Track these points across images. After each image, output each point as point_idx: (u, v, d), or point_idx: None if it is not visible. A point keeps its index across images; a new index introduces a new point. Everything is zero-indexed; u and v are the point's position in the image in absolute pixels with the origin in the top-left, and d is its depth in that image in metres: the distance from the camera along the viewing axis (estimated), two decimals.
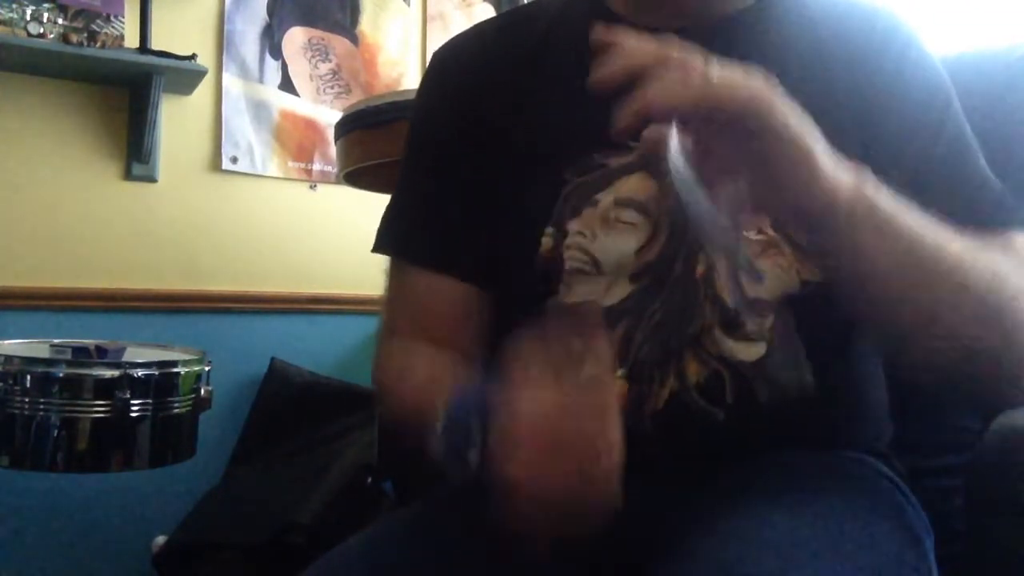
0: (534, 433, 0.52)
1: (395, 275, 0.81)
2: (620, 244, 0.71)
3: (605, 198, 0.71)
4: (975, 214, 0.68)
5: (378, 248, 0.82)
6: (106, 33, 1.94)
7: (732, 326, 0.69)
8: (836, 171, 0.56)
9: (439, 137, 0.80)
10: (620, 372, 0.70)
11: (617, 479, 0.52)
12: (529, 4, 0.84)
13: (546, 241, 0.73)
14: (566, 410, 0.52)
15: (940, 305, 0.61)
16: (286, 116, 2.23)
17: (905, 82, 0.72)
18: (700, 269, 0.69)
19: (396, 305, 0.81)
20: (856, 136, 0.70)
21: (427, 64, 0.85)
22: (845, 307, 0.64)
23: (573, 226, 0.72)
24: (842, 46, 0.73)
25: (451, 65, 0.82)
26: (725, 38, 0.74)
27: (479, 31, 0.85)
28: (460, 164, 0.78)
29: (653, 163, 0.70)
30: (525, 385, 0.54)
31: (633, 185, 0.71)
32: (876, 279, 0.60)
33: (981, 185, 0.71)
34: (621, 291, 0.71)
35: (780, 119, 0.53)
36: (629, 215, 0.71)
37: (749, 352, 0.69)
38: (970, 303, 0.61)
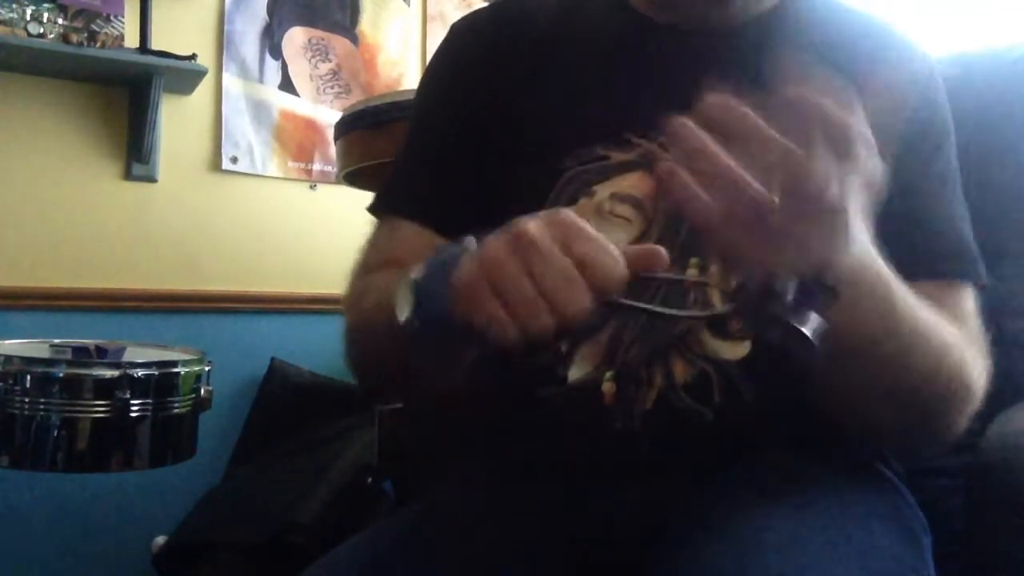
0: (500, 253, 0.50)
1: (379, 227, 0.81)
2: (611, 237, 0.70)
3: (602, 190, 0.71)
4: (936, 265, 0.69)
5: (372, 208, 0.81)
6: (106, 33, 1.94)
7: (717, 325, 0.69)
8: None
9: (447, 108, 0.80)
10: (609, 374, 0.70)
11: (582, 313, 0.49)
12: None
13: None
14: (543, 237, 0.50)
15: (899, 371, 0.62)
16: (286, 116, 2.23)
17: (905, 112, 0.72)
18: (692, 272, 0.69)
19: (375, 249, 0.80)
20: None
21: (446, 36, 0.84)
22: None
23: None
24: (853, 58, 0.73)
25: (467, 38, 0.82)
26: (736, 43, 0.74)
27: (499, 7, 0.84)
28: (465, 137, 0.78)
29: (655, 162, 0.71)
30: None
31: (632, 181, 0.71)
32: (856, 342, 0.60)
33: (949, 236, 0.71)
34: None
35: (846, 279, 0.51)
36: (624, 210, 0.71)
37: (734, 351, 0.68)
38: (923, 371, 0.62)
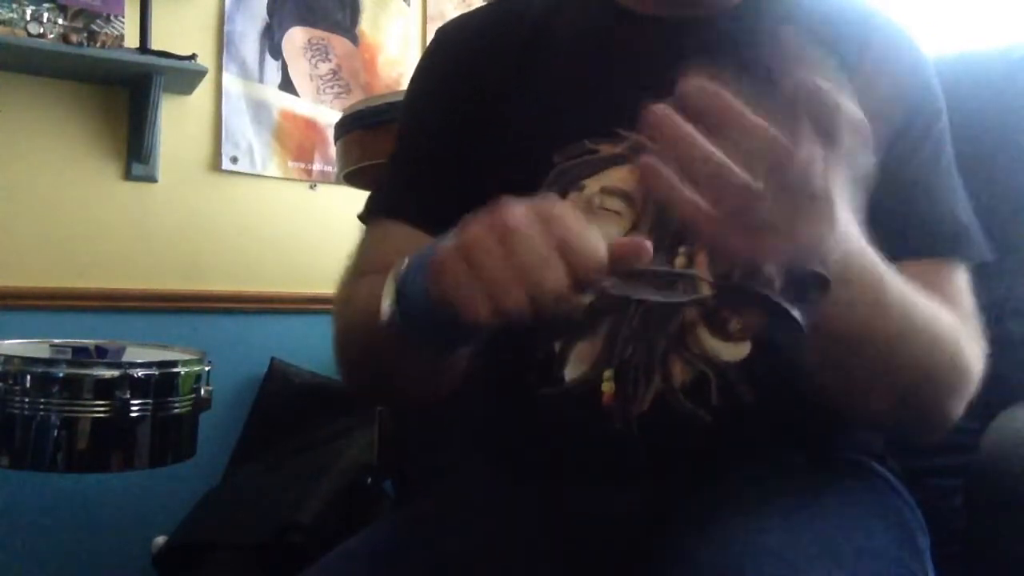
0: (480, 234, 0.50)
1: (370, 231, 0.80)
2: (602, 232, 0.70)
3: (592, 184, 0.71)
4: (929, 244, 0.69)
5: (362, 216, 0.81)
6: (106, 33, 1.94)
7: (715, 324, 0.69)
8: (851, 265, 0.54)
9: (432, 110, 0.80)
10: (607, 374, 0.69)
11: (563, 299, 0.49)
12: None
13: None
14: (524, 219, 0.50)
15: (892, 357, 0.61)
16: (286, 116, 2.23)
17: (894, 96, 0.72)
18: (680, 261, 0.69)
19: (364, 253, 0.79)
20: None
21: (431, 42, 0.85)
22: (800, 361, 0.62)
23: None
24: (838, 47, 0.73)
25: (451, 42, 0.83)
26: (721, 30, 0.74)
27: (482, 11, 0.85)
28: (452, 138, 0.78)
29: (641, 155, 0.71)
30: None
31: (621, 175, 0.71)
32: (851, 339, 0.59)
33: (942, 213, 0.71)
34: None
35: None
36: (614, 203, 0.71)
37: (733, 352, 0.68)
38: (917, 357, 0.62)
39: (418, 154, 0.80)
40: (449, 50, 0.82)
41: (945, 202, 0.71)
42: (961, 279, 0.70)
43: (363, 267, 0.77)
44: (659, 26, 0.75)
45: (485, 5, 0.87)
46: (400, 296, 0.57)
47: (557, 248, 0.49)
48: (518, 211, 0.50)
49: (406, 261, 0.57)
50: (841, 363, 0.60)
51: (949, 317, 0.64)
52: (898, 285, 0.59)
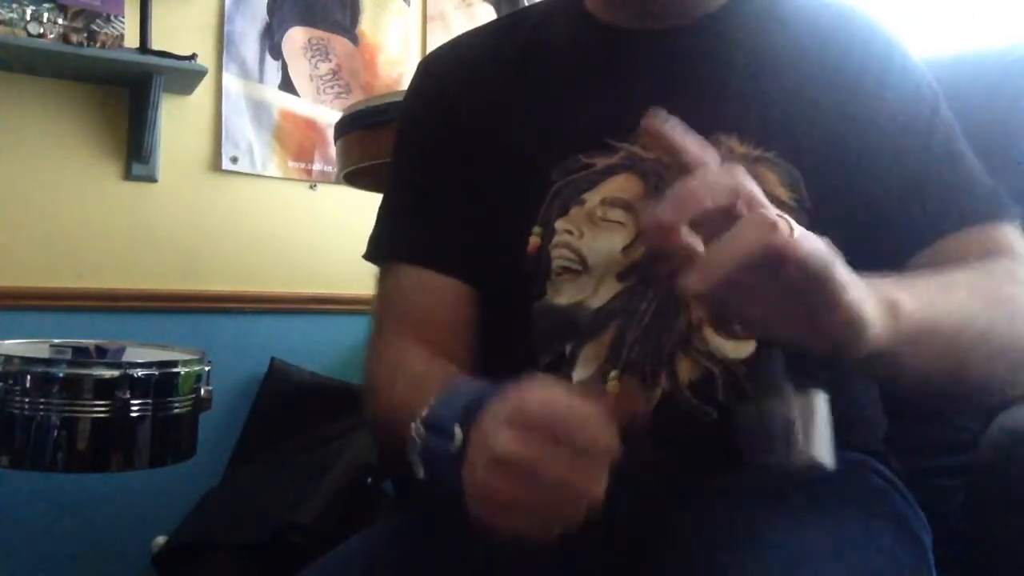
0: (506, 458, 0.50)
1: (384, 278, 0.81)
2: (607, 242, 0.71)
3: (592, 197, 0.72)
4: (970, 212, 0.70)
5: (368, 255, 0.82)
6: (106, 33, 1.94)
7: (721, 322, 0.69)
8: (872, 316, 0.52)
9: (425, 142, 0.81)
10: (613, 374, 0.70)
11: (588, 512, 0.50)
12: (514, 12, 0.86)
13: (533, 240, 0.73)
14: (549, 440, 0.49)
15: (959, 369, 0.62)
16: (286, 116, 2.23)
17: (890, 88, 0.73)
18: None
19: (385, 305, 0.80)
20: (834, 135, 0.71)
21: (417, 72, 0.86)
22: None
23: (560, 225, 0.72)
24: (820, 47, 0.74)
25: (436, 71, 0.83)
26: (700, 38, 0.75)
27: (464, 38, 0.86)
28: (446, 168, 0.78)
29: (639, 163, 0.71)
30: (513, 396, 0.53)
31: (619, 184, 0.72)
32: (908, 379, 0.61)
33: (973, 183, 0.72)
34: (609, 290, 0.71)
35: (839, 284, 0.49)
36: (616, 214, 0.71)
37: (739, 349, 0.68)
38: (985, 354, 0.63)
39: (416, 189, 0.81)
40: (434, 81, 0.82)
41: (973, 174, 0.73)
42: (1009, 235, 0.70)
43: (384, 324, 0.79)
44: (636, 36, 0.76)
45: (467, 32, 0.87)
46: (429, 477, 0.59)
47: (574, 454, 0.49)
48: (508, 442, 0.49)
49: (423, 430, 0.59)
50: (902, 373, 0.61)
51: (989, 274, 0.65)
52: (923, 287, 0.59)
